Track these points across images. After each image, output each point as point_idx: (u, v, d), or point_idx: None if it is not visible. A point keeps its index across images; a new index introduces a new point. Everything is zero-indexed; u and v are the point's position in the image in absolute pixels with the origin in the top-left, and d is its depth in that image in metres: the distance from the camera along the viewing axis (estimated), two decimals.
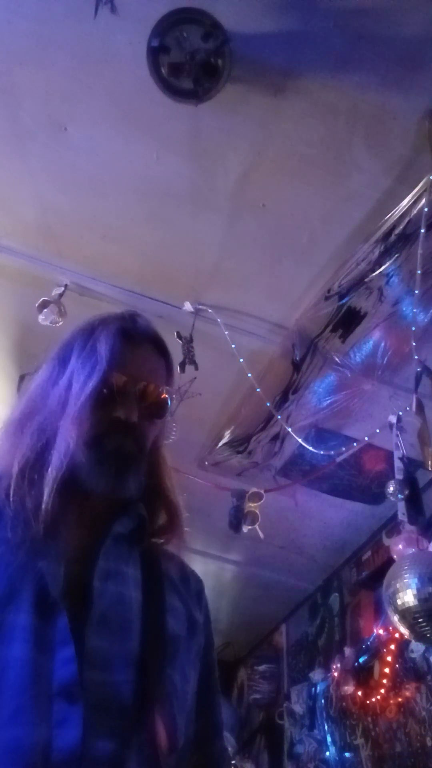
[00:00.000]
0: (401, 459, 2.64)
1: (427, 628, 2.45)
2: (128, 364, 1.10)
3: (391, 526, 3.72)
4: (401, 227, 2.54)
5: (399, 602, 2.47)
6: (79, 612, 0.94)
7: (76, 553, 1.01)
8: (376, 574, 3.77)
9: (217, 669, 1.19)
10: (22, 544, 0.97)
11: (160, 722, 0.93)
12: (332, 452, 3.23)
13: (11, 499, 1.00)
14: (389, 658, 3.44)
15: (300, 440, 3.25)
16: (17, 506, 1.00)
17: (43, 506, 0.98)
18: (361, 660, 3.69)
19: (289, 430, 3.20)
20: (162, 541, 1.14)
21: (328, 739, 3.88)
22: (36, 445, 1.04)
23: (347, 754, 3.69)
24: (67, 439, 1.03)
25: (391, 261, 2.65)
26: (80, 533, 1.04)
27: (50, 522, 0.98)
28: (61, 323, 2.81)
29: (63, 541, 1.00)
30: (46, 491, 0.99)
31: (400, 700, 3.30)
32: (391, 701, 3.35)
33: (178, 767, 0.98)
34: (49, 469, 1.01)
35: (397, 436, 2.66)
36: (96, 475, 1.04)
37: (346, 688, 3.73)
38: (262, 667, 5.13)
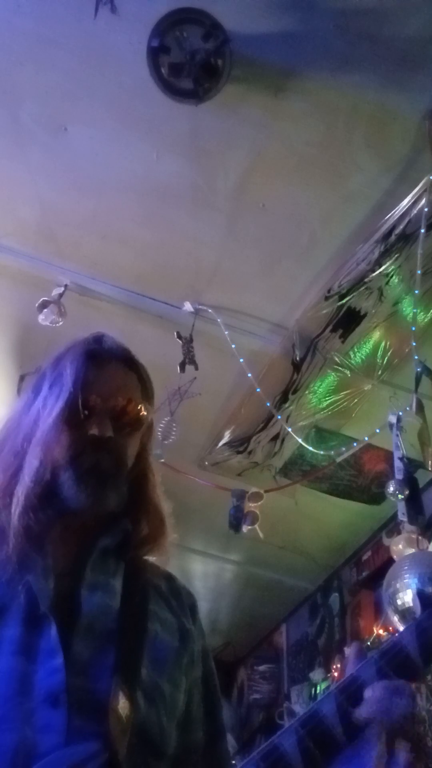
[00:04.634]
0: (401, 459, 2.64)
1: None
2: (96, 383, 1.13)
3: (391, 526, 3.71)
4: (401, 227, 2.53)
5: (399, 602, 2.47)
6: (67, 622, 0.98)
7: (65, 567, 1.05)
8: (376, 574, 3.77)
9: (216, 675, 1.21)
10: (8, 561, 1.01)
11: (146, 726, 0.96)
12: (332, 452, 3.23)
13: None
14: None
15: (300, 440, 3.25)
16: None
17: (14, 523, 1.03)
18: None
19: (289, 430, 3.19)
20: (145, 551, 1.18)
21: None
22: (8, 469, 1.10)
23: None
24: (35, 460, 1.08)
25: (391, 261, 2.65)
26: (68, 548, 1.08)
27: (32, 538, 1.03)
28: (61, 323, 2.81)
29: (50, 556, 1.04)
30: (15, 509, 1.04)
31: None
32: None
33: None
34: (17, 488, 1.06)
35: (397, 436, 2.66)
36: (75, 492, 1.07)
37: None
38: (262, 667, 5.13)
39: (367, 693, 0.86)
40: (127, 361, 1.21)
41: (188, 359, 2.89)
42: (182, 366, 2.88)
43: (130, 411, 1.14)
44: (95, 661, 0.97)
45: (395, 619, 2.53)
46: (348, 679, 0.87)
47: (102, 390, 1.13)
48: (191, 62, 2.19)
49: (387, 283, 2.79)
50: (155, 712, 0.99)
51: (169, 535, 1.19)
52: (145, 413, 1.17)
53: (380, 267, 2.68)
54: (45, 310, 2.82)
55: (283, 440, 3.45)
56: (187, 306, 2.98)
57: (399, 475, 2.61)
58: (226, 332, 2.97)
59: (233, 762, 1.24)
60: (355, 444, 3.18)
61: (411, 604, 2.43)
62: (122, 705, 0.93)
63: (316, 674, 4.22)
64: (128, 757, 0.90)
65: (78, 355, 1.16)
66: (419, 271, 2.53)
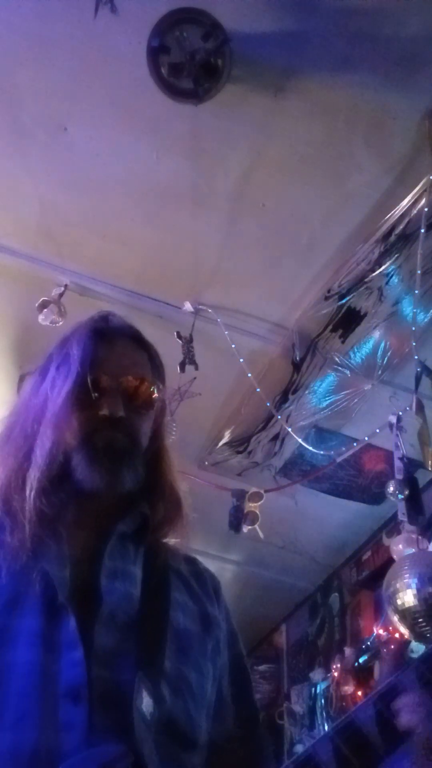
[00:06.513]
0: (401, 459, 2.64)
1: (427, 628, 2.45)
2: (104, 361, 1.10)
3: (391, 526, 3.72)
4: (401, 227, 2.54)
5: (399, 602, 2.47)
6: (86, 612, 0.94)
7: (82, 555, 1.01)
8: (376, 574, 3.77)
9: (246, 658, 1.18)
10: (22, 547, 0.97)
11: (173, 719, 0.92)
12: (332, 452, 3.23)
13: (5, 507, 1.02)
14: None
15: (300, 440, 3.25)
16: (11, 512, 1.01)
17: (29, 506, 0.99)
18: (361, 660, 3.69)
19: (289, 430, 3.20)
20: (163, 534, 1.14)
21: None
22: (19, 452, 1.06)
23: None
24: (47, 441, 1.05)
25: (391, 261, 2.65)
26: (84, 534, 1.04)
27: (46, 523, 0.99)
28: (61, 323, 2.81)
29: (65, 542, 1.00)
30: (29, 492, 1.01)
31: None
32: None
33: (213, 763, 0.98)
34: (30, 470, 1.03)
35: (397, 436, 2.66)
36: (89, 473, 1.04)
37: (346, 688, 3.73)
38: (262, 667, 5.13)
39: (403, 701, 0.81)
40: (135, 338, 1.18)
41: (188, 359, 2.89)
42: (182, 366, 2.88)
43: (141, 390, 1.11)
44: (118, 652, 0.93)
45: (395, 619, 2.53)
46: (387, 685, 0.83)
47: (111, 369, 1.10)
48: (191, 62, 2.19)
49: (387, 283, 2.79)
50: (182, 703, 0.95)
51: (187, 516, 1.14)
52: (158, 392, 1.13)
53: (380, 267, 2.68)
54: (45, 310, 2.82)
55: (283, 440, 3.45)
56: (187, 306, 2.98)
57: (399, 475, 2.61)
58: (226, 332, 2.97)
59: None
60: (355, 444, 3.18)
61: (411, 604, 2.43)
62: (146, 700, 0.89)
63: (316, 674, 4.22)
64: (155, 753, 0.86)
65: (85, 333, 1.13)
66: (419, 271, 2.53)
